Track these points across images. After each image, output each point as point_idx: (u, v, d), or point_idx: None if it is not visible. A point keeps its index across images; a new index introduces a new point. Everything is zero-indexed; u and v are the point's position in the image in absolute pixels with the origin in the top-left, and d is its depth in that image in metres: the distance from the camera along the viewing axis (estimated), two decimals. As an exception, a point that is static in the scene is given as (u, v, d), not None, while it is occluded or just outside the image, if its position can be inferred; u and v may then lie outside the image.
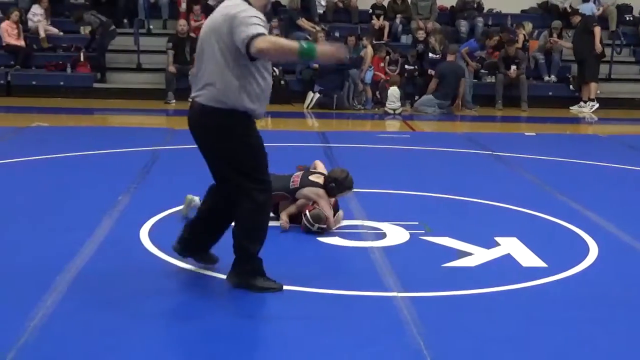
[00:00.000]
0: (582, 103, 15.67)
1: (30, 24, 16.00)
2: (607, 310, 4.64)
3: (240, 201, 4.59)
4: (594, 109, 15.42)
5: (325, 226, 5.95)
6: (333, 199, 6.18)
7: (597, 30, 15.52)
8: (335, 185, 6.12)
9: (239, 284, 4.71)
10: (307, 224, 5.94)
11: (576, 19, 16.04)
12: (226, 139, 4.51)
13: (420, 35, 16.07)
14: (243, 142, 4.54)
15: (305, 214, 5.97)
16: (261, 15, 4.44)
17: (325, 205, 6.00)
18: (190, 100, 4.65)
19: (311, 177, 6.20)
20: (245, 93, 4.44)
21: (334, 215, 6.12)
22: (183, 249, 4.97)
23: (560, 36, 16.66)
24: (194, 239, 4.94)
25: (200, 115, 4.54)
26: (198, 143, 4.64)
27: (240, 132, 4.51)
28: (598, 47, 15.36)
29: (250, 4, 4.48)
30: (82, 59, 15.45)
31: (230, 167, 4.58)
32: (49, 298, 4.46)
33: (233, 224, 4.74)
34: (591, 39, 15.36)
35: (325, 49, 4.44)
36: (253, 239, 4.67)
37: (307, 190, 6.10)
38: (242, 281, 4.71)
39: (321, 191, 6.10)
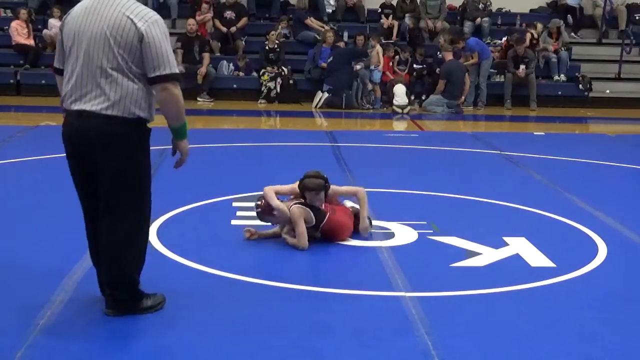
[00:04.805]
0: None
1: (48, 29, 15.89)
2: (615, 310, 4.63)
3: (121, 226, 4.19)
4: None
5: (258, 209, 5.75)
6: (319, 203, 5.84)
7: None
8: (300, 182, 5.84)
9: (124, 312, 4.26)
10: None
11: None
12: (134, 152, 4.24)
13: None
14: (145, 159, 4.30)
15: None
16: (163, 23, 4.06)
17: (274, 189, 5.77)
18: (72, 110, 4.15)
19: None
20: (150, 100, 4.13)
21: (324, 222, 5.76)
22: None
23: (558, 35, 16.56)
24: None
25: (105, 126, 4.06)
26: (98, 158, 4.16)
27: (147, 146, 4.26)
28: None
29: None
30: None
31: (127, 187, 4.26)
32: (57, 298, 4.47)
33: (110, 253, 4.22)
34: None
35: (187, 146, 4.29)
36: (139, 266, 4.31)
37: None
38: (128, 308, 4.27)
39: (294, 185, 5.89)
